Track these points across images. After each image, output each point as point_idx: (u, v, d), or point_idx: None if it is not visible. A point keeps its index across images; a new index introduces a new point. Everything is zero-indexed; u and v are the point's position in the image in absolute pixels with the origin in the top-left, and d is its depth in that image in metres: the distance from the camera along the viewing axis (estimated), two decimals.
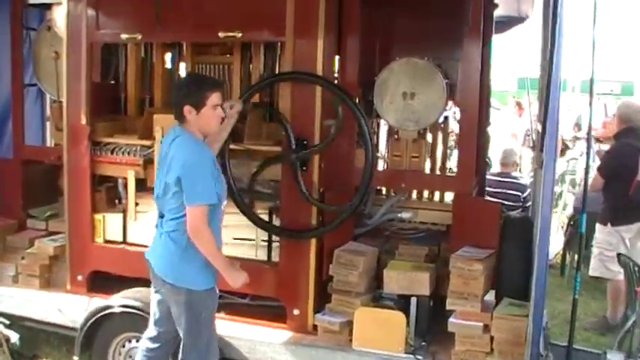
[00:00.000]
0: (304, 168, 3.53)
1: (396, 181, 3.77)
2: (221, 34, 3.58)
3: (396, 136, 3.81)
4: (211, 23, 3.59)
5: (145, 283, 3.79)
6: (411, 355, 3.38)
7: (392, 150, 3.82)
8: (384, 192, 4.23)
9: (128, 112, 4.33)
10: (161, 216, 3.13)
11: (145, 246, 3.89)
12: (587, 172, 3.69)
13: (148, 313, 3.47)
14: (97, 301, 3.80)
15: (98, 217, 4.06)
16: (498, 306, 3.34)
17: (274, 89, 3.88)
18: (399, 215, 3.99)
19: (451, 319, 3.35)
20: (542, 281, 3.08)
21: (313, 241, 3.59)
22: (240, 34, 3.55)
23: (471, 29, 3.53)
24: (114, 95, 4.39)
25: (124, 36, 3.80)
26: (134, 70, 4.28)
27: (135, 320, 3.62)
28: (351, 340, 3.52)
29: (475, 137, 3.60)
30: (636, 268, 4.11)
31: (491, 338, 3.28)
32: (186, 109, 2.94)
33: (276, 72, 4.04)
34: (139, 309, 3.60)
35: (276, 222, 3.69)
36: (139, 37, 3.76)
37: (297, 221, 3.57)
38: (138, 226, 4.00)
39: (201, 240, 2.93)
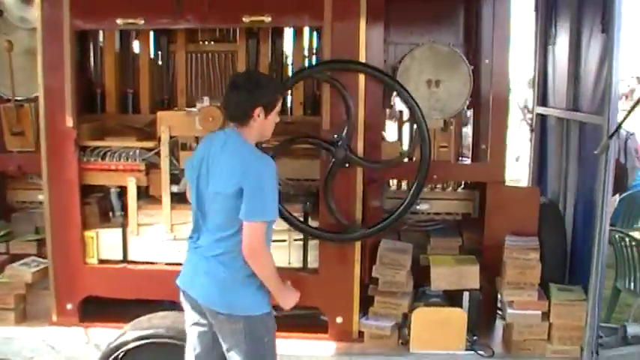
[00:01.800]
0: (347, 165, 3.27)
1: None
2: (246, 19, 3.19)
3: None
4: (234, 5, 3.17)
5: (148, 305, 3.39)
6: (472, 352, 3.29)
7: None
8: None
9: (107, 109, 3.75)
10: (197, 232, 2.72)
11: (151, 263, 3.48)
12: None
13: (175, 338, 3.07)
14: (110, 337, 3.24)
15: (90, 233, 3.49)
16: (552, 292, 3.33)
17: None
18: (417, 207, 3.86)
19: (510, 310, 3.31)
20: (603, 265, 3.13)
21: (357, 243, 3.35)
22: (269, 19, 3.17)
23: (501, 10, 3.44)
24: (87, 91, 3.78)
25: (120, 21, 3.25)
26: (112, 62, 3.71)
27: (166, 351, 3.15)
28: (402, 344, 3.37)
29: (506, 124, 3.55)
30: (631, 241, 4.32)
31: (549, 325, 3.28)
32: (258, 110, 2.57)
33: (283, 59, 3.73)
34: (167, 337, 3.13)
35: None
36: (141, 22, 3.23)
37: (341, 222, 3.30)
38: (141, 242, 3.50)
39: (260, 261, 2.57)
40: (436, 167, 3.59)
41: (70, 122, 3.34)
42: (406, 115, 3.71)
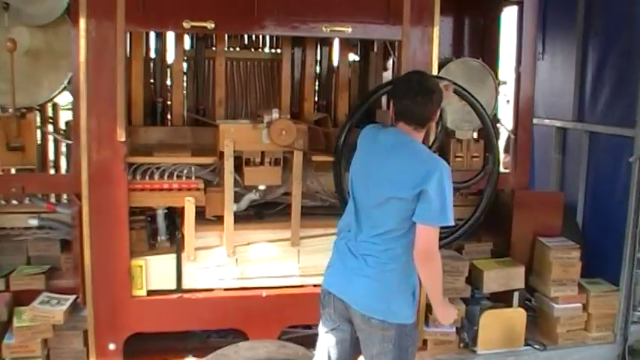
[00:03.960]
0: None
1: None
2: (326, 29, 3.05)
3: (456, 138, 3.78)
4: (315, 14, 3.02)
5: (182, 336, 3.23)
6: (529, 347, 3.52)
7: (454, 151, 3.78)
8: None
9: (132, 121, 3.32)
10: (355, 230, 2.59)
11: (209, 290, 3.19)
12: None
13: None
14: None
15: (139, 262, 3.07)
16: (585, 286, 3.67)
17: None
18: None
19: (556, 306, 3.59)
20: (634, 259, 3.57)
21: None
22: (349, 29, 3.08)
23: (530, 23, 3.69)
24: None
25: (186, 24, 2.90)
26: (140, 67, 3.30)
27: None
28: (464, 346, 3.49)
29: (530, 136, 3.83)
30: None
31: (588, 315, 3.62)
32: (438, 113, 2.58)
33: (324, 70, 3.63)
34: None
35: None
36: (211, 25, 2.93)
37: None
38: (197, 268, 3.17)
39: (433, 266, 2.46)
40: (469, 176, 3.77)
41: (122, 136, 2.92)
42: None
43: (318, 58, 3.61)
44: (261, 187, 3.22)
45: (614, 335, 3.64)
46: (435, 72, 3.27)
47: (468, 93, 3.31)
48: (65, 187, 3.24)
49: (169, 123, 3.41)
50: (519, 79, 3.84)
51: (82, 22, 2.84)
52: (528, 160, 3.85)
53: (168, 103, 3.41)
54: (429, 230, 2.43)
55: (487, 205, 3.39)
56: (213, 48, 3.44)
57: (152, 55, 3.46)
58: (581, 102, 4.09)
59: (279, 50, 3.52)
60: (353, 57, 3.70)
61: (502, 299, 3.65)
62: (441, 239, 3.36)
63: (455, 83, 3.33)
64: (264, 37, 3.59)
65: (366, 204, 2.57)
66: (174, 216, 3.29)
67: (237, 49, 3.56)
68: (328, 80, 3.61)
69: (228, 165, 3.09)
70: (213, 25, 2.93)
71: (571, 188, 4.23)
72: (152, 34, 3.40)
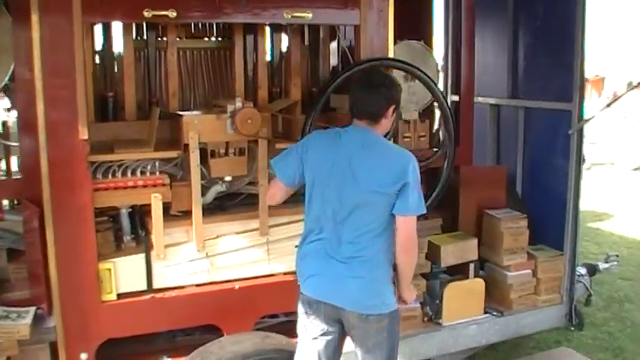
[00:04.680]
0: None
1: None
2: (287, 15, 3.03)
3: (403, 119, 3.89)
4: (276, 0, 2.99)
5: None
6: (487, 314, 3.71)
7: (402, 132, 3.89)
8: None
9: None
10: (326, 235, 2.58)
11: (180, 287, 3.10)
12: None
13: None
14: None
15: (107, 265, 2.93)
16: (532, 253, 3.92)
17: None
18: None
19: (509, 273, 3.80)
20: (576, 225, 3.85)
21: None
22: (310, 15, 3.07)
23: (467, 6, 3.86)
24: None
25: (148, 13, 2.78)
26: (89, 61, 3.12)
27: None
28: (428, 320, 3.62)
29: (472, 115, 4.02)
30: None
31: (537, 280, 3.87)
32: (392, 109, 2.60)
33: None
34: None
35: None
36: (173, 14, 2.82)
37: None
38: (167, 266, 3.07)
39: (413, 252, 2.62)
40: (417, 154, 3.88)
41: (84, 134, 2.76)
42: None
43: (269, 45, 3.59)
44: (228, 179, 3.16)
45: (561, 296, 3.92)
46: (391, 54, 3.35)
47: (423, 73, 3.41)
48: (15, 192, 3.04)
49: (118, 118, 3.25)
50: (459, 59, 4.03)
51: (35, 15, 2.65)
52: (471, 137, 4.02)
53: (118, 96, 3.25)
54: (410, 220, 2.53)
55: (447, 178, 3.52)
56: (162, 38, 3.33)
57: (97, 47, 3.29)
58: (514, 79, 4.34)
59: (227, 38, 3.46)
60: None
61: (457, 272, 3.82)
62: None
63: (408, 63, 3.43)
64: (211, 26, 3.51)
65: (342, 206, 2.54)
66: (136, 214, 3.16)
67: (184, 38, 3.46)
68: (280, 67, 3.59)
69: (194, 158, 3.00)
70: (175, 14, 2.83)
71: (507, 161, 4.47)
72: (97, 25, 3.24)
